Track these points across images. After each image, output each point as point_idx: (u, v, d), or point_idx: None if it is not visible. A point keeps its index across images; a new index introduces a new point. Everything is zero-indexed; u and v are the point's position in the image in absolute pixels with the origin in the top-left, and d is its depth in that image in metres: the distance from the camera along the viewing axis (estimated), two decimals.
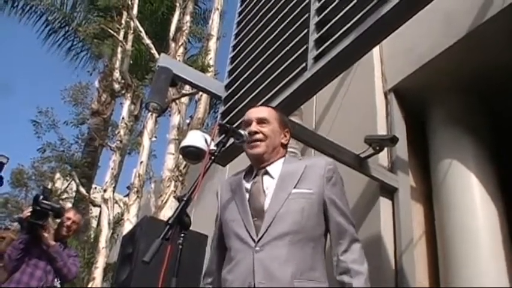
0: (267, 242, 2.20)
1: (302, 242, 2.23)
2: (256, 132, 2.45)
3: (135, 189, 8.99)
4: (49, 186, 11.71)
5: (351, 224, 2.35)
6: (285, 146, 2.57)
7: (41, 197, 4.36)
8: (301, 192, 2.33)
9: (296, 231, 2.23)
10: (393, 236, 4.16)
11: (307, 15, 3.49)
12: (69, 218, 4.65)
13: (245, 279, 2.16)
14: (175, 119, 9.41)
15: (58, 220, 4.74)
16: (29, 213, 4.34)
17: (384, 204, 4.26)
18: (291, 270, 2.15)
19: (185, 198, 2.11)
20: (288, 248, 2.19)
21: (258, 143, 2.44)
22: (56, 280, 4.49)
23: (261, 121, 2.51)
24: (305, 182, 2.36)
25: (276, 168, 2.45)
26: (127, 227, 8.16)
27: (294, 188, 2.33)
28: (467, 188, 4.22)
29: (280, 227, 2.23)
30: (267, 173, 2.43)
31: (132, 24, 11.00)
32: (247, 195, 2.39)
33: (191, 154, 4.98)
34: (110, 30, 11.43)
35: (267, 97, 3.53)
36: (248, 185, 2.42)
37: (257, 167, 2.47)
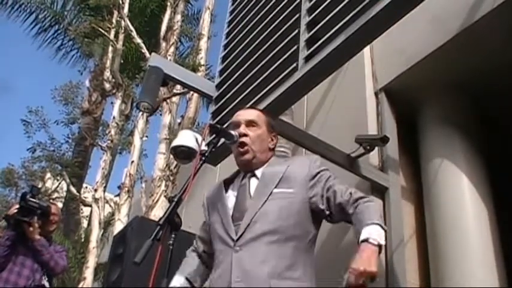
0: (246, 242, 2.23)
1: (281, 241, 2.23)
2: (245, 135, 2.45)
3: (126, 188, 8.97)
4: (39, 186, 11.63)
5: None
6: (272, 149, 2.58)
7: (29, 194, 4.35)
8: (281, 192, 2.34)
9: (273, 230, 2.24)
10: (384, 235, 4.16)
11: (298, 15, 3.49)
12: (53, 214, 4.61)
13: (224, 278, 2.19)
14: (166, 119, 9.39)
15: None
16: (15, 210, 4.33)
17: None
18: (267, 269, 2.15)
19: (176, 199, 2.12)
20: (266, 247, 2.21)
21: (246, 148, 2.44)
22: (43, 278, 4.45)
23: (250, 123, 2.51)
24: (286, 181, 2.37)
25: (262, 170, 2.47)
26: (118, 226, 8.13)
27: (275, 188, 2.34)
28: (457, 188, 4.23)
29: (258, 227, 2.25)
30: (254, 175, 2.44)
31: (123, 23, 10.97)
32: (232, 199, 2.41)
33: (182, 154, 4.96)
34: (100, 30, 11.38)
35: (257, 97, 3.53)
36: (234, 190, 2.44)
37: (245, 172, 2.48)
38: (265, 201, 2.31)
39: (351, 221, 2.27)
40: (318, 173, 2.40)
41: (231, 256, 2.22)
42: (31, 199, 4.32)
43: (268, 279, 2.13)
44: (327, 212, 2.35)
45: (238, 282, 2.13)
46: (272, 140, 2.58)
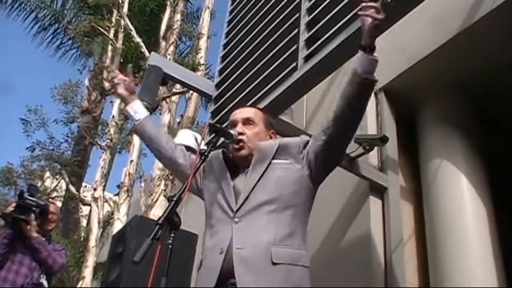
0: (245, 213, 2.25)
1: (279, 210, 2.26)
2: (241, 134, 2.45)
3: (125, 188, 8.95)
4: (39, 185, 11.62)
5: None
6: None
7: (26, 193, 4.36)
8: (279, 163, 2.37)
9: (272, 200, 2.27)
10: (383, 235, 4.16)
11: (297, 14, 3.49)
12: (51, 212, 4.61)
13: (219, 247, 2.20)
14: (166, 118, 9.38)
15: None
16: (12, 208, 4.32)
17: (374, 203, 4.27)
18: (267, 237, 2.18)
19: (175, 198, 2.11)
20: (265, 217, 2.23)
21: (242, 144, 2.44)
22: (42, 276, 4.44)
23: (247, 121, 2.50)
24: (282, 153, 2.39)
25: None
26: (117, 226, 8.12)
27: (273, 159, 2.37)
28: (456, 188, 4.23)
29: (257, 197, 2.28)
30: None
31: (122, 22, 10.96)
32: (231, 182, 2.41)
33: None
34: (100, 28, 11.37)
35: (257, 96, 3.53)
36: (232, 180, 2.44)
37: (243, 167, 2.47)
38: (264, 172, 2.34)
39: (348, 117, 2.28)
40: (308, 141, 2.43)
41: (230, 226, 2.24)
42: (28, 197, 4.32)
43: (269, 246, 2.15)
44: (326, 146, 2.34)
45: (240, 250, 2.15)
46: (270, 137, 2.57)
